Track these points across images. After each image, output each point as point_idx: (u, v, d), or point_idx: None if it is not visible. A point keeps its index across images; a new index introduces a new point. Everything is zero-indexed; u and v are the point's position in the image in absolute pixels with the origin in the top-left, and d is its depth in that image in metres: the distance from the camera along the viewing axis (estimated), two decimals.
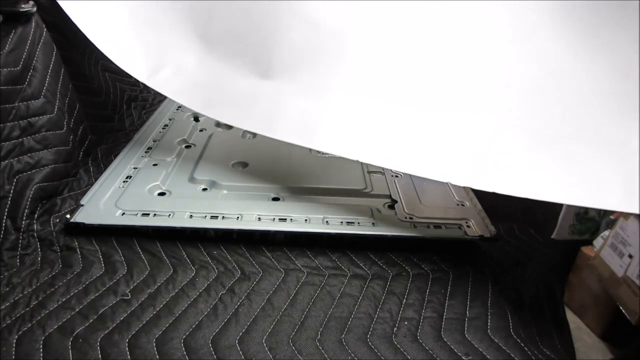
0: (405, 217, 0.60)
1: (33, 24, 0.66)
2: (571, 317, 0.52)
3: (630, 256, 0.45)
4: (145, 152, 0.74)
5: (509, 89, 0.50)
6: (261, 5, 0.57)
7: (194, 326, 0.45)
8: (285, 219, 0.58)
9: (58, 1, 0.65)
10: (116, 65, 0.67)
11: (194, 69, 0.61)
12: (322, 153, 0.73)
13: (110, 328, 0.44)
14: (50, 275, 0.50)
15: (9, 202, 0.55)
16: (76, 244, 0.54)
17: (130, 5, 0.67)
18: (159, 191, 0.64)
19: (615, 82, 0.46)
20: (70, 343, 0.42)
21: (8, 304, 0.46)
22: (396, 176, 0.70)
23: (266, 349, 0.43)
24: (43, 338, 0.42)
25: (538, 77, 0.49)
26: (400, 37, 0.53)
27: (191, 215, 0.57)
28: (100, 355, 0.41)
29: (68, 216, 0.56)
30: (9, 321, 0.44)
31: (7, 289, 0.48)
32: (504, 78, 0.50)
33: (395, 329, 0.46)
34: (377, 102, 0.54)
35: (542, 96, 0.49)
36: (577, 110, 0.47)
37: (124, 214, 0.57)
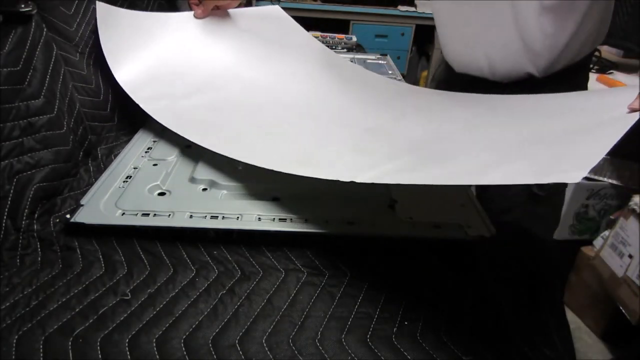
0: (405, 217, 0.60)
1: (33, 24, 0.66)
2: (571, 317, 0.53)
3: (631, 256, 0.45)
4: (145, 152, 0.74)
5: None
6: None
7: (194, 326, 0.45)
8: (285, 219, 0.58)
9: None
10: None
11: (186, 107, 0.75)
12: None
13: (110, 328, 0.44)
14: (50, 275, 0.50)
15: (9, 202, 0.55)
16: (76, 244, 0.54)
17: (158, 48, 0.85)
18: (159, 191, 0.64)
19: None
20: (70, 343, 0.42)
21: (8, 304, 0.46)
22: None
23: (266, 349, 0.43)
24: (43, 338, 0.42)
25: None
26: None
27: (191, 215, 0.57)
28: (100, 355, 0.41)
29: (68, 216, 0.56)
30: (9, 321, 0.44)
31: (7, 289, 0.47)
32: None
33: (395, 329, 0.46)
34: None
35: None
36: None
37: (124, 214, 0.57)
